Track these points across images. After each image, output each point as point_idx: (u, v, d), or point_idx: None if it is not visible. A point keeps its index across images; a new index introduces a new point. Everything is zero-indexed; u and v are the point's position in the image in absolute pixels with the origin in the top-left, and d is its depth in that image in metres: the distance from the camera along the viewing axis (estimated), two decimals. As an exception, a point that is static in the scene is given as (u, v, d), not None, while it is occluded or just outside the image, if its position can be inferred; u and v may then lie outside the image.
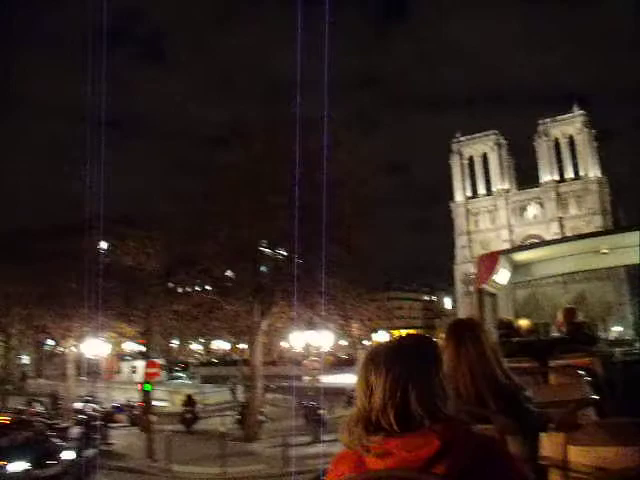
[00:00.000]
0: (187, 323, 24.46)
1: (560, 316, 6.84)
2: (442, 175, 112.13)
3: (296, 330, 24.11)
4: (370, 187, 25.23)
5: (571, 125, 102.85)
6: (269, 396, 33.66)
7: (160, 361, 56.21)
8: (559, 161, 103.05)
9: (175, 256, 25.91)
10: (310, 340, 24.41)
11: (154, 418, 22.19)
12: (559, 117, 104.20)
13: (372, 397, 1.56)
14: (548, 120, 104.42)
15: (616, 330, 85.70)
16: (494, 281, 7.79)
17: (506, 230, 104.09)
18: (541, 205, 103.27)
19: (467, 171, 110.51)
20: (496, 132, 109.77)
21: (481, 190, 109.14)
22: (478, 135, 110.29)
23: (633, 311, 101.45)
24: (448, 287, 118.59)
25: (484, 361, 2.76)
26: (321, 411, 24.39)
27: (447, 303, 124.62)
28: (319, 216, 20.04)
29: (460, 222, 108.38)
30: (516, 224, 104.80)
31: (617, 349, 8.66)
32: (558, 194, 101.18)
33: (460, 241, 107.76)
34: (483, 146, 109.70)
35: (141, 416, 23.82)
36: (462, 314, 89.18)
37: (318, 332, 24.27)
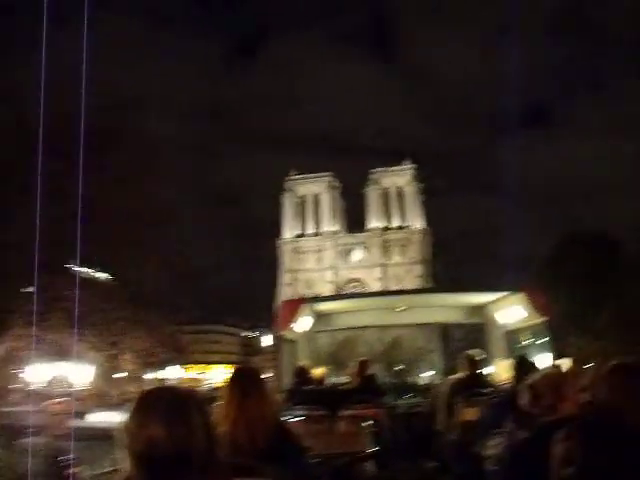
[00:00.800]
0: None
1: (353, 368, 6.95)
2: (276, 212, 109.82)
3: (39, 359, 18.36)
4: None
5: (401, 177, 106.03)
6: (24, 440, 26.69)
7: None
8: (387, 209, 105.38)
9: None
10: (60, 373, 18.81)
11: None
12: (391, 168, 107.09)
13: (146, 442, 1.55)
14: (380, 169, 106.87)
15: (427, 375, 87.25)
16: (294, 328, 7.85)
17: (331, 271, 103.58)
18: (366, 250, 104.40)
19: (298, 209, 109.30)
20: (331, 174, 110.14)
21: (310, 230, 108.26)
22: (313, 175, 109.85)
23: (439, 359, 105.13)
24: (270, 325, 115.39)
25: (264, 412, 2.74)
26: (74, 469, 18.51)
27: (267, 341, 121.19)
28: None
29: (286, 259, 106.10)
30: (341, 266, 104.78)
31: (402, 401, 8.49)
32: (383, 241, 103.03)
33: (284, 279, 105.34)
34: (317, 186, 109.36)
35: None
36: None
37: (74, 363, 18.77)
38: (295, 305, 8.11)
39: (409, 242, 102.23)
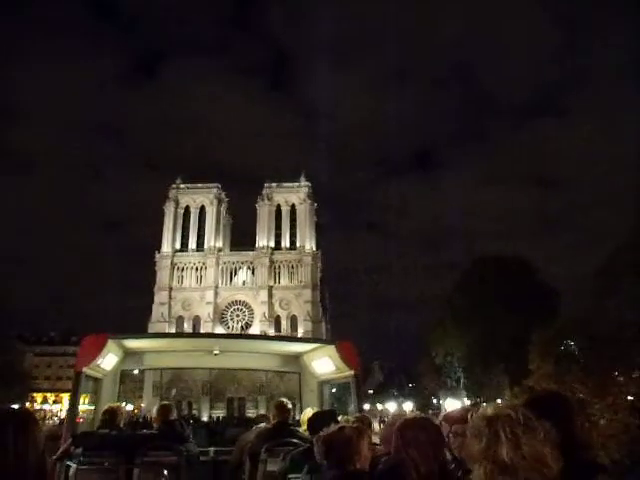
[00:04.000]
0: None
1: (155, 412, 6.68)
2: (159, 233, 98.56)
3: None
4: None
5: (296, 194, 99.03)
6: None
7: None
8: (278, 228, 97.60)
9: None
10: None
11: None
12: (285, 184, 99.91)
13: None
14: (274, 185, 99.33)
15: (315, 409, 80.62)
16: (99, 365, 7.51)
17: (212, 292, 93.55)
18: (252, 271, 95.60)
19: (180, 221, 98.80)
20: (218, 186, 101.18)
21: (192, 245, 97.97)
22: (199, 186, 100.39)
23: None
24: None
25: (24, 463, 2.48)
26: None
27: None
28: None
29: (163, 276, 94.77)
30: (224, 287, 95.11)
31: (212, 448, 7.78)
32: (272, 261, 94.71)
33: (160, 297, 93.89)
34: (203, 198, 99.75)
35: None
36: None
37: None
38: (100, 341, 7.28)
39: (299, 264, 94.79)
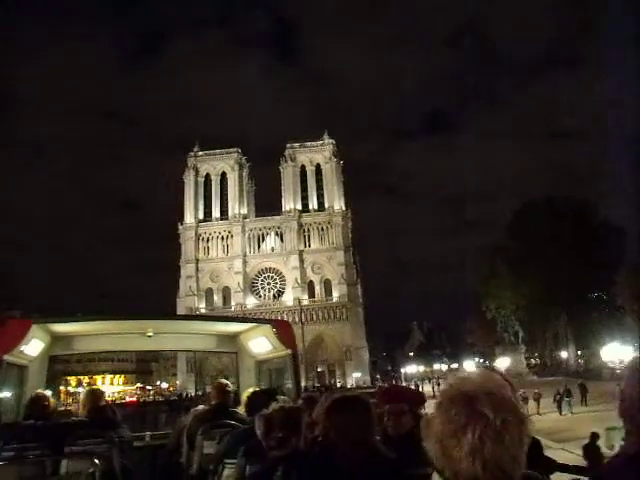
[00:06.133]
0: None
1: (83, 398, 6.29)
2: (180, 212, 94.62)
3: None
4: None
5: (320, 152, 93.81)
6: None
7: None
8: (304, 190, 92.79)
9: None
10: None
11: None
12: (308, 143, 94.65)
13: None
14: (297, 145, 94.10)
15: (355, 376, 77.76)
16: (22, 352, 7.20)
17: (240, 260, 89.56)
18: (280, 237, 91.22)
19: (202, 190, 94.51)
20: (238, 150, 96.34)
21: (216, 214, 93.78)
22: (219, 151, 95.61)
23: (370, 357, 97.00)
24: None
25: None
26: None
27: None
28: None
29: (188, 248, 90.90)
30: (252, 255, 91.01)
31: (148, 432, 7.79)
32: (300, 225, 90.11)
33: (186, 270, 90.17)
34: (223, 164, 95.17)
35: None
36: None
37: None
38: (24, 325, 7.10)
39: (329, 226, 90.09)
